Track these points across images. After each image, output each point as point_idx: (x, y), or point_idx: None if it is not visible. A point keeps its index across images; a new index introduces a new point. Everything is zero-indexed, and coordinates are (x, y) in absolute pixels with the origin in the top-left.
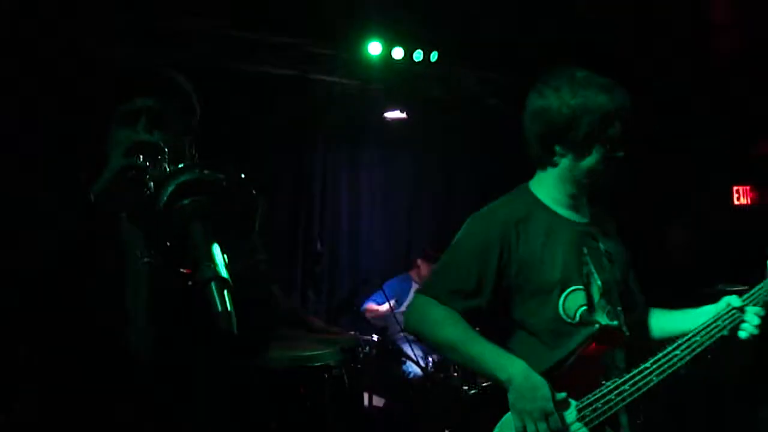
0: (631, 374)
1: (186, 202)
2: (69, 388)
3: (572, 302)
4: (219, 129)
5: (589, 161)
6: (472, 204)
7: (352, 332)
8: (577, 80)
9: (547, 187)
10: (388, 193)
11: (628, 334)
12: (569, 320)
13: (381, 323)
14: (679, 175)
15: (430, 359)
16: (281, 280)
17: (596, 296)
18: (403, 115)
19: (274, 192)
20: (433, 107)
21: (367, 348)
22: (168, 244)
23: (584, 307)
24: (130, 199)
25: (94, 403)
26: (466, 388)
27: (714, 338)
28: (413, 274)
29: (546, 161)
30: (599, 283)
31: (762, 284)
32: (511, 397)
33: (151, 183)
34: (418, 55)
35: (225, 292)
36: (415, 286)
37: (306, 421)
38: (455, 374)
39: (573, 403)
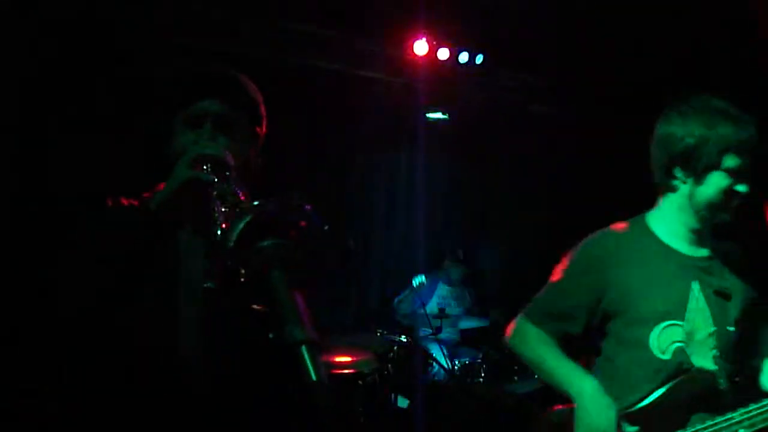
0: (713, 422)
1: (266, 244)
2: (110, 391)
3: (667, 337)
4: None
5: (708, 191)
6: (509, 209)
7: (380, 332)
8: (705, 109)
9: (664, 218)
10: (424, 195)
11: (724, 380)
12: (661, 355)
13: (408, 322)
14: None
15: (457, 362)
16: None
17: (700, 335)
18: (445, 117)
19: (312, 187)
20: (476, 110)
21: (396, 348)
22: (239, 278)
23: (680, 344)
24: (193, 212)
25: (135, 411)
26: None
27: None
28: (441, 275)
29: (666, 187)
30: (706, 322)
31: None
32: (578, 412)
33: (217, 201)
34: (463, 57)
35: (316, 357)
36: (443, 288)
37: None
38: (481, 379)
39: None
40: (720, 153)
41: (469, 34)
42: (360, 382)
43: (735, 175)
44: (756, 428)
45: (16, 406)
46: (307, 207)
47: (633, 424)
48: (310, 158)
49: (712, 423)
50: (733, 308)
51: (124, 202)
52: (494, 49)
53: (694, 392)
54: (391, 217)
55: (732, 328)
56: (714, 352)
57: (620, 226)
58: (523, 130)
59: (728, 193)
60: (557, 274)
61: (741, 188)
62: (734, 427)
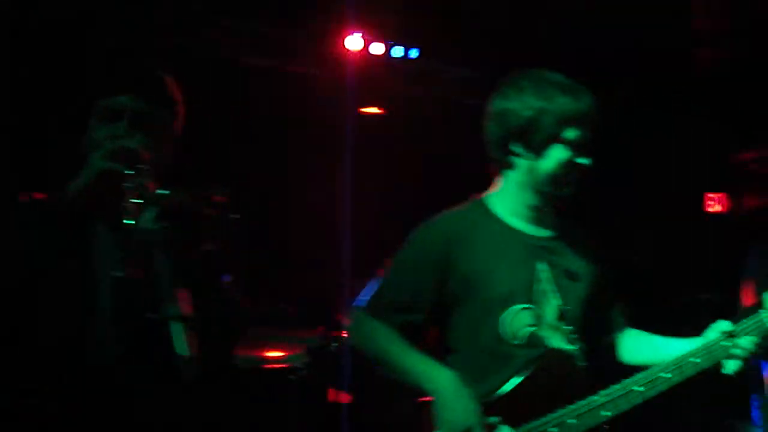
0: (576, 406)
1: (156, 227)
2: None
3: (518, 321)
4: (193, 118)
5: (549, 165)
6: (446, 204)
7: (322, 327)
8: (542, 82)
9: (504, 197)
10: (360, 190)
11: (582, 361)
12: (513, 341)
13: None
14: (652, 182)
15: None
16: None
17: (551, 316)
18: (380, 111)
19: (245, 185)
20: (411, 105)
21: (338, 343)
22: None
23: (532, 328)
24: (106, 203)
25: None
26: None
27: (685, 375)
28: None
29: (504, 164)
30: (556, 302)
31: (753, 317)
32: (436, 408)
33: (130, 193)
34: (397, 51)
35: (187, 333)
36: None
37: (270, 421)
38: None
39: (507, 430)
40: (559, 124)
41: (403, 29)
42: (292, 377)
43: (575, 147)
44: (619, 410)
45: None
46: (218, 198)
47: (493, 414)
48: (240, 153)
49: (574, 407)
50: (581, 288)
51: (38, 197)
52: (429, 43)
53: (553, 375)
54: (328, 215)
55: (582, 308)
56: (567, 332)
57: (458, 208)
58: (460, 124)
59: (569, 165)
60: (396, 261)
61: (582, 160)
62: (597, 410)
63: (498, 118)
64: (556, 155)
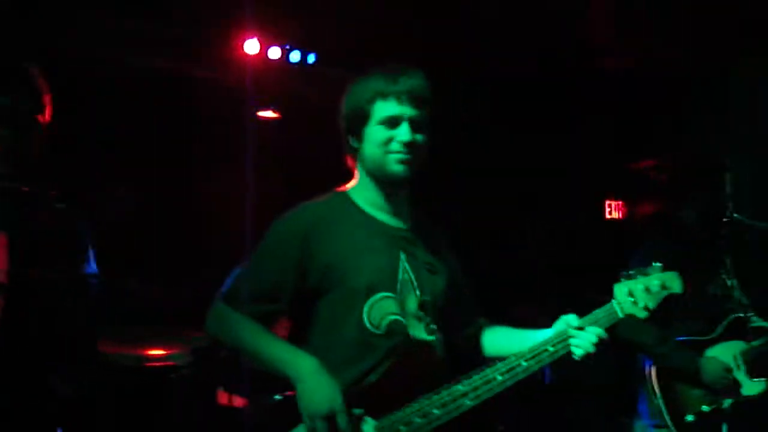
0: (439, 396)
1: None
2: None
3: (379, 311)
4: (89, 122)
5: (370, 148)
6: None
7: None
8: (374, 71)
9: (360, 188)
10: (260, 192)
11: (442, 351)
12: (375, 330)
13: None
14: (555, 190)
15: None
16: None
17: (412, 307)
18: (276, 116)
19: (145, 187)
20: (308, 109)
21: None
22: None
23: (394, 317)
24: None
25: None
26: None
27: (542, 363)
28: None
29: (352, 157)
30: (417, 293)
31: (606, 307)
32: (299, 395)
33: None
34: (295, 56)
35: None
36: None
37: (152, 421)
38: None
39: (371, 422)
40: (368, 103)
41: (301, 34)
42: (173, 375)
43: (391, 124)
44: (480, 399)
45: None
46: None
47: (356, 404)
48: (141, 155)
49: (437, 397)
50: (440, 280)
51: None
52: (326, 48)
53: (414, 365)
54: (222, 217)
55: (441, 300)
56: (428, 322)
57: (319, 199)
58: None
59: (387, 144)
60: (256, 252)
61: (402, 136)
62: (460, 399)
63: (339, 113)
64: (372, 136)
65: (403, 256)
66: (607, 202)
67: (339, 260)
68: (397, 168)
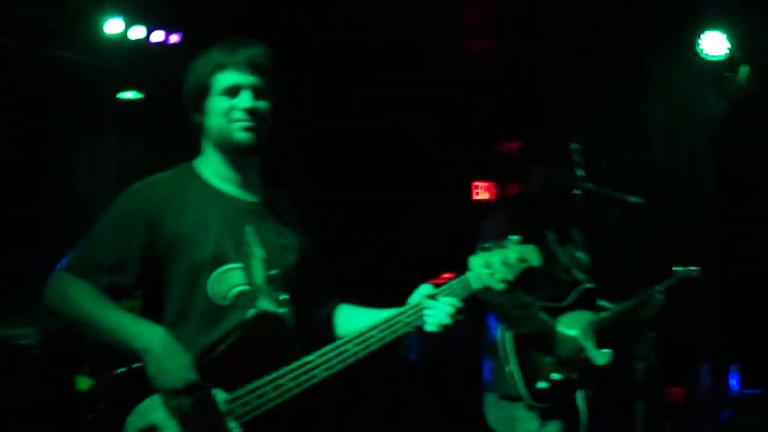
0: (290, 368)
1: None
2: None
3: (225, 282)
4: None
5: (213, 119)
6: None
7: None
8: (215, 45)
9: (208, 161)
10: (121, 177)
11: (293, 324)
12: (221, 302)
13: None
14: (423, 170)
15: None
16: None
17: (260, 279)
18: (139, 97)
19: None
20: (171, 90)
21: None
22: None
23: (241, 289)
24: None
25: None
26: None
27: (396, 334)
28: None
29: (198, 130)
30: (265, 265)
31: (460, 278)
32: (150, 368)
33: None
34: (157, 36)
35: None
36: None
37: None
38: None
39: (222, 395)
40: (209, 76)
41: (164, 13)
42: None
43: (232, 93)
44: (333, 370)
45: None
46: None
47: (206, 377)
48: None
49: (289, 369)
50: (291, 255)
51: None
52: (189, 28)
53: (264, 337)
54: (88, 199)
55: (291, 275)
56: (277, 294)
57: (166, 172)
58: None
59: (230, 113)
60: (101, 222)
61: (244, 104)
62: (313, 371)
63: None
64: (215, 107)
65: (250, 229)
66: (474, 183)
67: (184, 233)
68: (241, 135)
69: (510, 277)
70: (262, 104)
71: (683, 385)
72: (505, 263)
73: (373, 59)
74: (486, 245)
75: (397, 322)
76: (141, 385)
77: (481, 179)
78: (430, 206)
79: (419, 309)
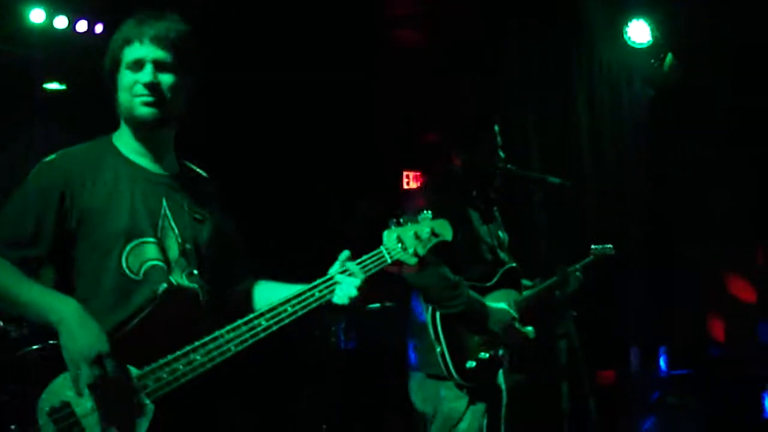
0: (202, 342)
1: None
2: None
3: (139, 256)
4: None
5: (121, 93)
6: None
7: None
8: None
9: (122, 134)
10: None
11: (206, 299)
12: (134, 276)
13: None
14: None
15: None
16: None
17: (173, 253)
18: (63, 88)
19: None
20: (96, 80)
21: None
22: None
23: (154, 263)
24: None
25: None
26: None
27: (309, 307)
28: None
29: (114, 105)
30: (179, 240)
31: (373, 253)
32: (62, 340)
33: None
34: (82, 26)
35: None
36: None
37: None
38: None
39: (134, 370)
40: (118, 50)
41: (88, 3)
42: None
43: (136, 67)
44: (245, 344)
45: None
46: None
47: (118, 352)
48: None
49: (200, 344)
50: (206, 230)
51: None
52: (114, 17)
53: (177, 312)
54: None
55: (204, 249)
56: (191, 270)
57: (83, 145)
58: None
59: (133, 87)
60: (15, 195)
61: (143, 78)
62: (225, 346)
63: None
64: (122, 81)
65: (165, 203)
66: (405, 173)
67: (98, 205)
68: (142, 110)
69: (422, 251)
70: (166, 77)
71: (614, 368)
72: (417, 237)
73: (301, 51)
74: (400, 220)
75: (311, 296)
76: (53, 363)
77: (411, 169)
78: (360, 195)
79: (332, 283)
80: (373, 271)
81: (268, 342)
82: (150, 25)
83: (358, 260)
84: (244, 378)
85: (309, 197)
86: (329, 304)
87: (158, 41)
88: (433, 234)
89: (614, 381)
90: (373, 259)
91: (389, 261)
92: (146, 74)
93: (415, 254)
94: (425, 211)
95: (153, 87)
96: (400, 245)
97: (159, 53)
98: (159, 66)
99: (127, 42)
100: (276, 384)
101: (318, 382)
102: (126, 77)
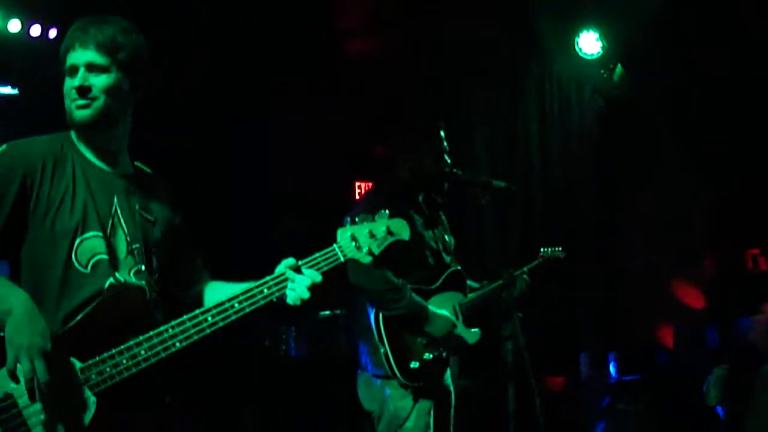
0: (146, 337)
1: None
2: None
3: (88, 250)
4: None
5: (65, 100)
6: None
7: None
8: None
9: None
10: None
11: (152, 296)
12: (82, 269)
13: None
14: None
15: None
16: None
17: (122, 250)
18: (15, 92)
19: None
20: (49, 85)
21: None
22: None
23: (102, 257)
24: None
25: None
26: None
27: (256, 305)
28: None
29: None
30: (127, 238)
31: (326, 250)
32: (8, 330)
33: None
34: (36, 30)
35: None
36: None
37: None
38: None
39: (77, 363)
40: (62, 57)
41: (42, 7)
42: None
43: (72, 73)
44: (191, 340)
45: None
46: None
47: (62, 345)
48: None
49: (144, 338)
50: (156, 230)
51: None
52: (67, 22)
53: (123, 307)
54: None
55: (155, 249)
56: (139, 267)
57: (43, 137)
58: None
59: (69, 92)
60: None
61: (74, 82)
62: (169, 341)
63: None
64: (64, 88)
65: (116, 202)
66: (357, 183)
67: (54, 195)
68: (76, 114)
69: (377, 250)
70: (99, 79)
71: (564, 374)
72: (372, 236)
73: (258, 60)
74: (356, 219)
75: (259, 293)
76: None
77: (363, 179)
78: (311, 205)
79: (281, 280)
80: (324, 269)
81: (219, 349)
82: (84, 29)
83: (309, 258)
84: (193, 381)
85: (264, 208)
86: (280, 301)
87: (93, 45)
88: (389, 233)
89: (564, 387)
90: (325, 257)
91: (342, 259)
92: (78, 78)
93: (370, 253)
94: (383, 210)
95: (82, 90)
96: (353, 243)
97: (90, 55)
98: (91, 68)
99: (67, 49)
100: (225, 391)
101: (268, 389)
102: (66, 83)
